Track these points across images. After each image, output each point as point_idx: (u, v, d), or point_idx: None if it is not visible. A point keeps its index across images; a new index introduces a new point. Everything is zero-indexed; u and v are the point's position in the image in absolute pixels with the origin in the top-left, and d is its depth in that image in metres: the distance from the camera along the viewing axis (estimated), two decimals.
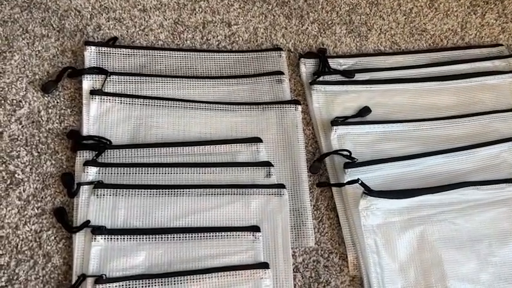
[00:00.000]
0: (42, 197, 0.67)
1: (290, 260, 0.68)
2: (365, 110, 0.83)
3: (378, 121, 0.82)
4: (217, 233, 0.67)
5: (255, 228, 0.69)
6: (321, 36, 0.90)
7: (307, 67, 0.85)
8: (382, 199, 0.72)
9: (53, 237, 0.65)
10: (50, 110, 0.73)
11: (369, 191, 0.71)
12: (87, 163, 0.68)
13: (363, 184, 0.71)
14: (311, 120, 0.82)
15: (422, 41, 0.94)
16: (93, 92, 0.73)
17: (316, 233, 0.73)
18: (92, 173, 0.68)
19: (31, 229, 0.65)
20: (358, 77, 0.86)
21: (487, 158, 0.82)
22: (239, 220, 0.70)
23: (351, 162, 0.75)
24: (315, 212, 0.75)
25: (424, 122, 0.84)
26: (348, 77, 0.85)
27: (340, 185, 0.74)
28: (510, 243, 0.75)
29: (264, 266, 0.66)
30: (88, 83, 0.73)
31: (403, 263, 0.71)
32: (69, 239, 0.65)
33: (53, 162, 0.69)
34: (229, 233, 0.68)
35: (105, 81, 0.73)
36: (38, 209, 0.66)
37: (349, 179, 0.73)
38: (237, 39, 0.86)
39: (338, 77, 0.85)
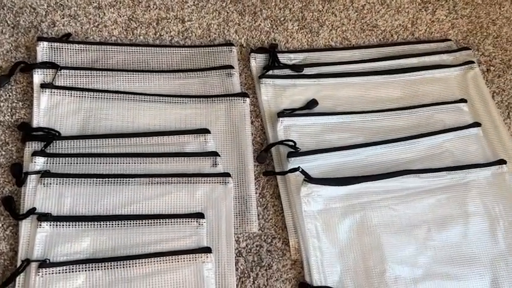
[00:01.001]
0: None
1: (233, 244, 0.71)
2: (312, 103, 0.86)
3: (322, 113, 0.85)
4: (162, 220, 0.70)
5: (199, 215, 0.72)
6: (273, 32, 0.93)
7: (257, 61, 0.88)
8: (324, 186, 0.75)
9: (0, 225, 0.67)
10: (1, 104, 0.75)
11: (309, 179, 0.74)
12: (35, 153, 0.70)
13: (303, 172, 0.74)
14: (260, 113, 0.85)
15: (372, 37, 0.98)
16: (44, 86, 0.75)
17: (260, 220, 0.76)
18: (39, 163, 0.70)
19: None
20: (307, 71, 0.89)
21: (430, 147, 0.85)
22: (184, 207, 0.72)
23: (294, 152, 0.78)
24: (261, 199, 0.78)
25: (368, 114, 0.87)
26: (297, 71, 0.88)
27: (283, 173, 0.77)
28: (448, 228, 0.78)
29: (207, 250, 0.69)
30: (39, 77, 0.76)
31: (342, 247, 0.74)
32: (16, 226, 0.67)
33: (3, 153, 0.72)
34: (173, 219, 0.70)
35: (55, 75, 0.76)
36: None
37: (291, 167, 0.76)
38: (190, 35, 0.89)
39: (287, 71, 0.88)
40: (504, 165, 0.83)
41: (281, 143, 0.80)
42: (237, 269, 0.71)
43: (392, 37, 0.99)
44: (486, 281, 0.76)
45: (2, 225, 0.67)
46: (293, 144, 0.79)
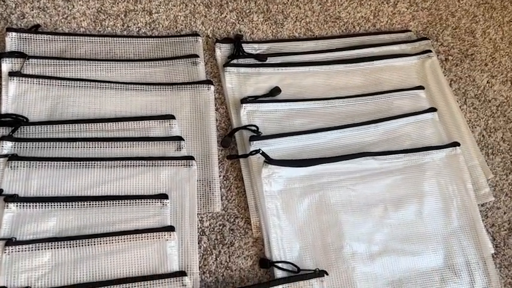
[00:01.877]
0: None
1: (196, 223, 0.74)
2: (275, 90, 0.89)
3: (285, 100, 0.88)
4: (127, 201, 0.73)
5: (163, 196, 0.75)
6: (238, 23, 0.97)
7: (222, 51, 0.92)
8: (284, 168, 0.78)
9: None
10: None
11: (269, 160, 0.78)
12: (2, 138, 0.73)
13: (263, 154, 0.78)
14: (225, 100, 0.88)
15: (335, 28, 1.01)
16: (12, 74, 0.78)
17: (224, 200, 0.79)
18: (7, 147, 0.73)
19: None
20: (271, 60, 0.93)
21: (388, 131, 0.89)
22: (149, 189, 0.75)
23: (256, 136, 0.82)
24: (225, 181, 0.81)
25: (330, 100, 0.91)
26: (261, 60, 0.91)
27: (245, 155, 0.80)
28: (404, 207, 0.82)
29: (170, 229, 0.72)
30: (7, 65, 0.79)
31: (301, 225, 0.78)
32: None
33: None
34: (138, 200, 0.73)
35: (23, 64, 0.79)
36: None
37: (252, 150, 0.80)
38: (157, 26, 0.92)
39: (252, 61, 0.92)
40: (458, 147, 0.88)
41: (244, 128, 0.83)
42: (200, 247, 0.74)
43: (355, 28, 1.03)
44: (440, 256, 0.80)
45: None
46: (256, 129, 0.82)
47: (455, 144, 0.88)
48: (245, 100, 0.85)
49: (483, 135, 0.95)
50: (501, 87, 1.03)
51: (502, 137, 0.96)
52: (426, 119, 0.91)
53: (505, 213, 0.88)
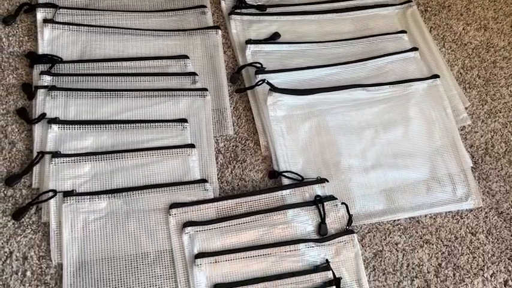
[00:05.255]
0: (6, 102, 0.82)
1: (212, 144, 0.86)
2: (275, 35, 1.01)
3: (285, 42, 1.00)
4: (152, 124, 0.84)
5: (183, 120, 0.86)
6: None
7: (226, 3, 1.03)
8: (287, 95, 0.90)
9: (16, 130, 0.80)
10: (10, 38, 0.89)
11: (273, 88, 0.89)
12: (42, 73, 0.84)
13: (268, 83, 0.89)
14: (231, 44, 1.00)
15: None
16: (46, 21, 0.89)
17: (235, 127, 0.90)
18: (46, 80, 0.84)
19: None
20: (270, 10, 1.04)
21: (376, 68, 1.01)
22: (170, 116, 0.87)
23: (261, 70, 0.93)
24: (235, 111, 0.92)
25: (325, 43, 1.03)
26: (261, 10, 1.03)
27: (252, 87, 0.91)
28: (392, 130, 0.94)
29: (191, 146, 0.83)
30: (41, 14, 0.90)
31: (304, 144, 0.89)
32: (29, 131, 0.81)
33: (15, 76, 0.85)
34: (161, 123, 0.84)
35: (55, 12, 0.90)
36: (3, 110, 0.82)
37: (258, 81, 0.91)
38: None
39: (253, 11, 1.04)
40: (438, 79, 1.00)
41: (250, 65, 0.94)
42: (217, 163, 0.85)
43: None
44: (425, 170, 0.92)
45: (18, 130, 0.80)
46: (260, 65, 0.94)
47: (436, 76, 1.00)
48: (249, 41, 0.96)
49: (460, 73, 1.07)
50: (475, 33, 1.15)
51: (477, 74, 1.08)
52: (409, 57, 1.03)
53: (481, 136, 1.00)
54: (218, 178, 0.84)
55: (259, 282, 0.73)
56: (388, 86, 0.97)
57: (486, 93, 1.05)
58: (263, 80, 0.89)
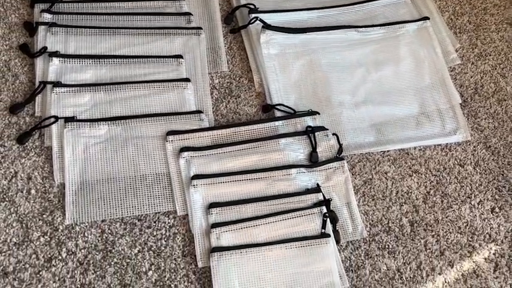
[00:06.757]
0: (9, 38, 0.86)
1: (207, 79, 0.89)
2: None
3: None
4: (148, 59, 0.87)
5: (178, 56, 0.89)
6: None
7: None
8: (279, 34, 0.93)
9: (19, 64, 0.84)
10: None
11: (266, 26, 0.92)
12: (43, 11, 0.87)
13: (261, 20, 0.92)
14: None
15: None
16: None
17: (229, 65, 0.93)
18: (47, 18, 0.87)
19: (1, 59, 0.84)
20: None
21: (368, 11, 1.04)
22: (166, 53, 0.90)
23: (254, 9, 0.95)
24: (229, 51, 0.95)
25: None
26: None
27: (245, 26, 0.94)
28: (382, 69, 0.97)
29: (186, 80, 0.86)
30: None
31: (297, 80, 0.92)
32: (32, 65, 0.84)
33: (17, 15, 0.89)
34: (157, 59, 0.88)
35: None
36: (6, 46, 0.85)
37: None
38: None
39: None
40: (428, 21, 1.02)
41: (244, 6, 0.97)
42: (212, 98, 0.89)
43: None
44: (415, 105, 0.94)
45: (21, 64, 0.84)
46: (254, 6, 0.96)
47: (426, 18, 1.02)
48: None
49: (451, 19, 1.09)
50: None
51: (468, 20, 1.10)
52: (399, 2, 1.05)
53: (471, 77, 1.02)
54: (213, 111, 0.87)
55: (252, 202, 0.77)
56: (379, 27, 1.00)
57: (476, 38, 1.07)
58: (256, 18, 0.92)
